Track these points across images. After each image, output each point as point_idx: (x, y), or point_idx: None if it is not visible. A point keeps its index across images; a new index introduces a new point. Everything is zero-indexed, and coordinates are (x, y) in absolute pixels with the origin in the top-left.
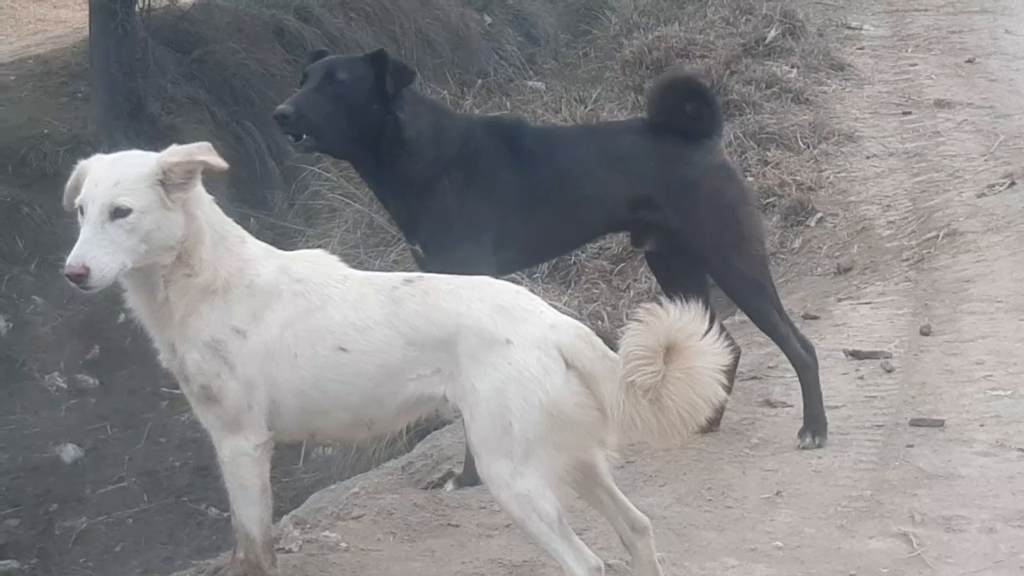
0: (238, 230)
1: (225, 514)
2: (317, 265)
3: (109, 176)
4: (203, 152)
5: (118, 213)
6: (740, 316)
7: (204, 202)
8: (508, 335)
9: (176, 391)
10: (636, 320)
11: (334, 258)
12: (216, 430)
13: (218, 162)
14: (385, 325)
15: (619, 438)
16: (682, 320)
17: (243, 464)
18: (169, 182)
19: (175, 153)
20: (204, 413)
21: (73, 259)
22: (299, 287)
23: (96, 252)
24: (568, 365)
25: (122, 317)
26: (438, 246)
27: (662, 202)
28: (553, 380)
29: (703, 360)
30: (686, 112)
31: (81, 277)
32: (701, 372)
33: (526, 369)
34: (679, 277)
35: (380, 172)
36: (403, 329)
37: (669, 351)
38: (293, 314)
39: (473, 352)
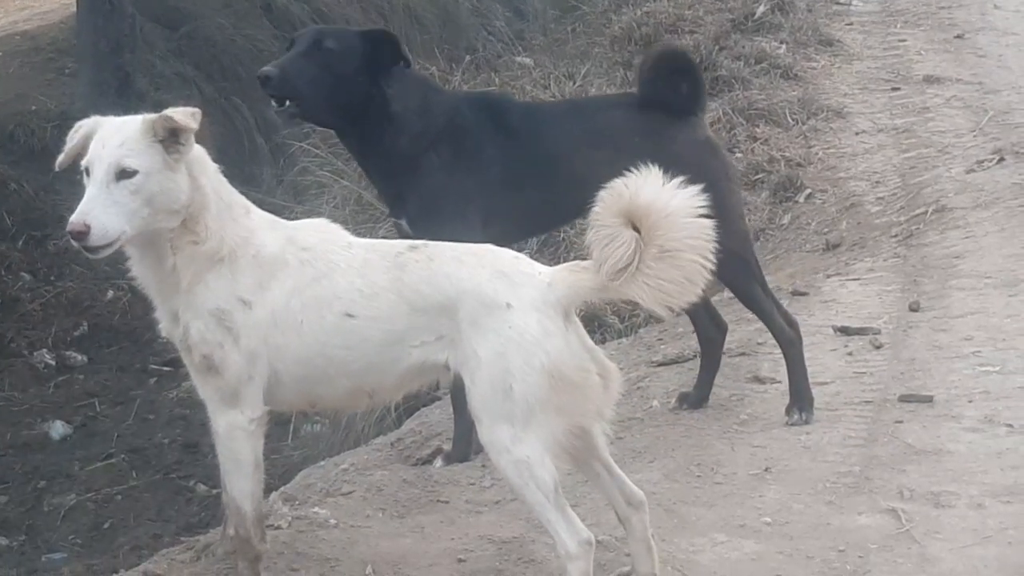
0: (243, 201)
1: (214, 491)
2: (322, 233)
3: (116, 137)
4: (183, 111)
5: (124, 174)
6: (728, 293)
7: (209, 170)
8: (508, 299)
9: (165, 368)
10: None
11: (336, 226)
12: (213, 402)
13: (183, 118)
14: (390, 290)
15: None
16: (642, 189)
17: (238, 438)
18: (159, 138)
19: (170, 115)
20: (203, 384)
21: (76, 216)
22: (306, 255)
23: (98, 211)
24: (568, 320)
25: (111, 294)
26: (425, 221)
27: None
28: (554, 341)
29: (677, 233)
30: (673, 87)
31: (82, 235)
32: (679, 252)
33: (526, 331)
34: None
35: (365, 145)
36: (407, 294)
37: (638, 222)
38: (300, 282)
39: (474, 317)
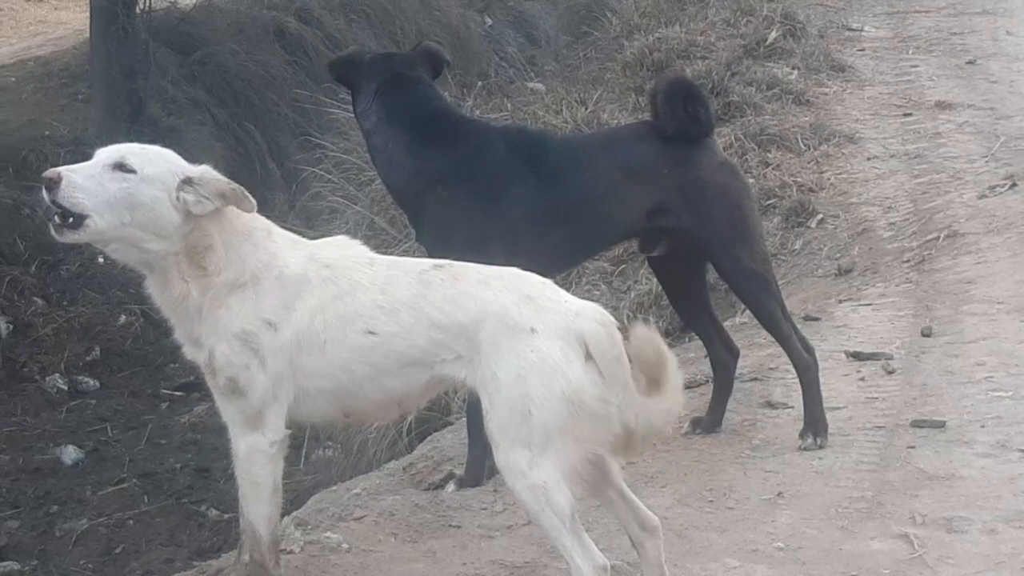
0: (264, 223)
1: (226, 516)
2: (343, 250)
3: (140, 146)
4: (238, 191)
5: (122, 167)
6: (740, 318)
7: (221, 213)
8: (533, 324)
9: (177, 393)
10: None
11: (357, 242)
12: (235, 424)
13: (247, 204)
14: (412, 307)
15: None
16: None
17: (257, 461)
18: (187, 188)
19: (217, 176)
20: (226, 406)
21: (57, 168)
22: (328, 272)
23: (78, 178)
24: (588, 356)
25: (123, 319)
26: (441, 254)
27: (676, 206)
28: (575, 369)
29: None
30: (687, 113)
31: (52, 183)
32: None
33: (549, 357)
34: (682, 280)
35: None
36: (430, 311)
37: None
38: (323, 300)
39: (496, 339)
